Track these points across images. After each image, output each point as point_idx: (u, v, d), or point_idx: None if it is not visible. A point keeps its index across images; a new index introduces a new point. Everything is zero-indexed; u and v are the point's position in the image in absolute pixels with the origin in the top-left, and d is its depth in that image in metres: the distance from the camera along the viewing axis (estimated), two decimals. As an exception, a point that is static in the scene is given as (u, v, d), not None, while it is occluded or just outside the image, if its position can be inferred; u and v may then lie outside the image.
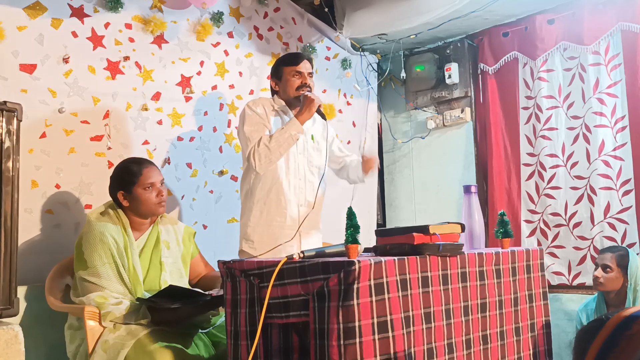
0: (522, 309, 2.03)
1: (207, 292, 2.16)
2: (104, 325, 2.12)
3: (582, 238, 3.41)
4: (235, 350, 1.79)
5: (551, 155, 3.55)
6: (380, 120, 4.25)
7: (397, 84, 4.19)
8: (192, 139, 3.12)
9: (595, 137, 3.37)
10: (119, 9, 2.81)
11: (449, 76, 3.86)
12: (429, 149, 4.08)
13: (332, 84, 3.81)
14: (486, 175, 3.83)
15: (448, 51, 3.94)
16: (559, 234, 3.51)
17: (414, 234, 1.74)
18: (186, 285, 2.42)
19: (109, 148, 2.77)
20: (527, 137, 3.67)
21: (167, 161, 3.00)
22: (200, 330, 2.24)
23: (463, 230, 1.88)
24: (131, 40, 2.88)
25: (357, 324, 1.51)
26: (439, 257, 1.77)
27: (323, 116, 2.67)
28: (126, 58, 2.86)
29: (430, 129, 4.05)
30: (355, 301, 1.52)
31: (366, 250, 1.93)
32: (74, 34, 2.71)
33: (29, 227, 2.50)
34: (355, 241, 1.61)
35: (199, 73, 3.14)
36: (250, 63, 3.38)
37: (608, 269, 2.81)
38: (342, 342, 1.51)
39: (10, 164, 1.78)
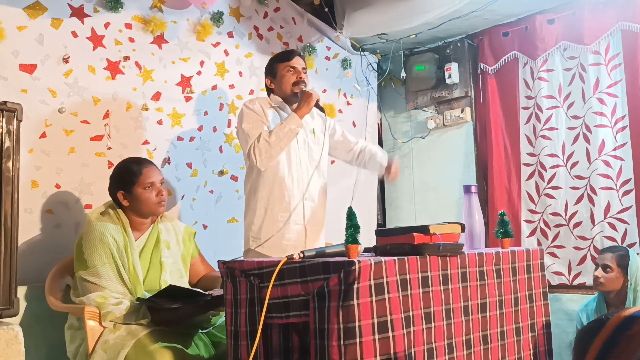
0: (522, 309, 2.03)
1: (207, 292, 2.16)
2: (104, 325, 2.12)
3: (583, 238, 3.41)
4: (235, 350, 1.79)
5: (551, 155, 3.55)
6: (380, 120, 4.25)
7: (397, 83, 4.19)
8: (192, 138, 3.12)
9: (596, 137, 3.37)
10: (119, 9, 2.81)
11: (449, 76, 3.86)
12: (429, 149, 4.08)
13: (332, 83, 3.81)
14: (486, 175, 3.83)
15: (448, 51, 3.94)
16: (559, 234, 3.51)
17: (414, 234, 1.73)
18: (186, 285, 2.42)
19: (109, 148, 2.77)
20: (527, 137, 3.67)
21: (167, 161, 3.00)
22: (200, 330, 2.24)
23: (463, 230, 1.88)
24: (131, 40, 2.88)
25: (357, 324, 1.51)
26: (439, 257, 1.77)
27: (322, 109, 2.69)
28: (126, 58, 2.86)
29: (431, 129, 4.05)
30: (355, 301, 1.52)
31: (366, 250, 1.93)
32: (74, 34, 2.70)
33: (29, 227, 2.50)
34: (356, 241, 1.61)
35: (199, 73, 3.14)
36: (250, 63, 3.38)
37: (608, 269, 2.81)
38: (342, 342, 1.51)
39: (10, 164, 1.78)
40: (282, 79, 2.70)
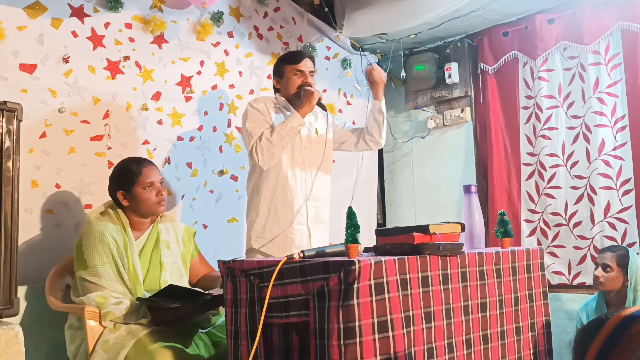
0: (522, 308, 2.03)
1: (207, 292, 2.16)
2: (104, 325, 2.12)
3: (582, 237, 3.42)
4: (235, 350, 1.79)
5: (551, 155, 3.55)
6: (380, 119, 4.25)
7: (397, 83, 4.19)
8: (192, 138, 3.12)
9: (595, 137, 3.37)
10: (119, 8, 2.81)
11: (449, 76, 3.86)
12: (429, 149, 4.08)
13: (332, 83, 3.81)
14: (486, 174, 3.83)
15: (448, 51, 3.94)
16: (559, 234, 3.51)
17: (414, 233, 1.73)
18: (186, 285, 2.42)
19: (109, 148, 2.77)
20: (527, 136, 3.67)
21: (167, 161, 3.00)
22: (200, 330, 2.24)
23: (463, 229, 1.88)
24: (131, 40, 2.88)
25: (357, 323, 1.51)
26: (439, 257, 1.77)
27: (323, 107, 2.69)
28: (126, 58, 2.86)
29: (430, 129, 4.05)
30: (355, 301, 1.52)
31: (366, 250, 1.93)
32: (74, 34, 2.70)
33: (29, 227, 2.50)
34: (356, 241, 1.61)
35: (199, 73, 3.14)
36: (250, 63, 3.38)
37: (608, 269, 2.81)
38: (342, 341, 1.51)
39: (10, 164, 1.78)
40: (288, 81, 2.70)
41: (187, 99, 3.09)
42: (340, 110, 3.84)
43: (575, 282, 3.45)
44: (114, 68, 2.82)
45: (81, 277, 2.22)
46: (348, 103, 3.92)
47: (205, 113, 3.17)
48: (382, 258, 1.61)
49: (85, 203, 2.69)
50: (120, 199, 2.34)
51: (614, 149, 3.31)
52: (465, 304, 1.83)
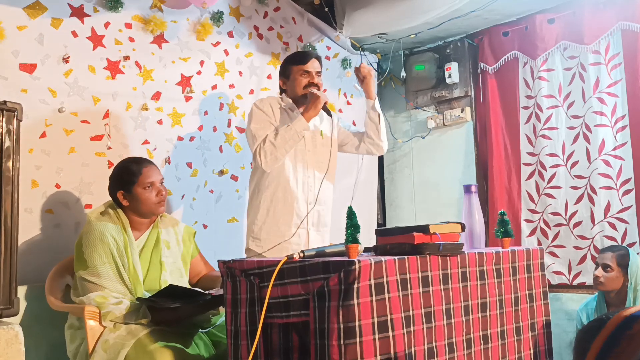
0: (522, 308, 2.03)
1: (207, 292, 2.16)
2: (104, 324, 2.12)
3: (583, 237, 3.41)
4: (235, 349, 1.79)
5: (551, 155, 3.55)
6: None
7: (397, 83, 4.19)
8: (192, 138, 3.12)
9: (596, 137, 3.37)
10: (119, 8, 2.81)
11: (449, 76, 3.86)
12: (429, 149, 4.08)
13: (332, 83, 3.81)
14: (486, 174, 3.83)
15: (448, 50, 3.94)
16: (559, 234, 3.51)
17: (414, 233, 1.73)
18: (186, 285, 2.42)
19: (109, 148, 2.77)
20: (527, 136, 3.67)
21: (167, 161, 3.00)
22: (200, 330, 2.24)
23: (463, 229, 1.88)
24: (131, 39, 2.88)
25: (357, 323, 1.51)
26: (439, 257, 1.77)
27: (329, 112, 2.67)
28: (126, 58, 2.86)
29: (431, 129, 4.05)
30: (355, 301, 1.52)
31: (366, 249, 1.93)
32: (74, 34, 2.70)
33: (29, 227, 2.50)
34: (356, 241, 1.61)
35: (199, 73, 3.14)
36: (251, 62, 3.38)
37: (608, 269, 2.81)
38: (342, 341, 1.51)
39: (10, 163, 1.78)
40: (295, 82, 2.69)
41: (187, 98, 3.09)
42: (340, 110, 3.84)
43: (575, 282, 3.45)
44: (114, 68, 2.82)
45: (81, 277, 2.22)
46: (348, 103, 3.92)
47: (205, 113, 3.17)
48: (382, 258, 1.61)
49: (85, 203, 2.69)
50: (120, 199, 2.34)
51: (614, 148, 3.31)
52: (465, 303, 1.83)
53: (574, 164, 3.46)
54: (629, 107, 3.27)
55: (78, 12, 2.72)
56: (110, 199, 2.40)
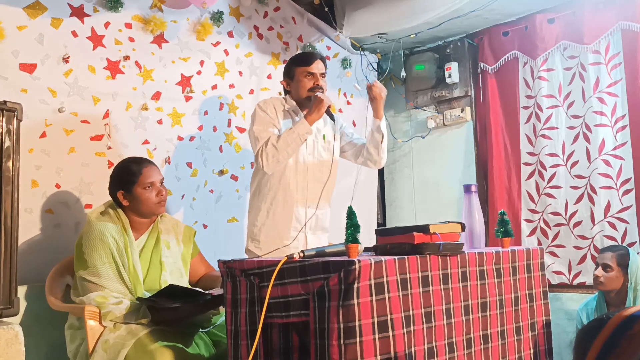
0: (522, 308, 2.03)
1: (207, 292, 2.16)
2: (104, 324, 2.12)
3: (583, 237, 3.41)
4: (235, 349, 1.79)
5: (551, 155, 3.55)
6: (381, 119, 4.25)
7: (397, 83, 4.19)
8: (192, 138, 3.12)
9: (596, 136, 3.37)
10: (119, 8, 2.81)
11: (449, 75, 3.86)
12: (429, 149, 4.08)
13: (332, 83, 3.81)
14: (486, 174, 3.83)
15: (448, 50, 3.94)
16: (559, 233, 3.51)
17: (414, 233, 1.73)
18: (186, 285, 2.42)
19: (109, 148, 2.77)
20: (527, 136, 3.67)
21: (167, 161, 3.00)
22: (200, 330, 2.24)
23: (463, 229, 1.88)
24: (131, 39, 2.88)
25: (357, 323, 1.51)
26: (439, 257, 1.77)
27: (332, 116, 2.65)
28: (126, 57, 2.86)
29: (431, 129, 4.05)
30: (355, 300, 1.52)
31: (366, 249, 1.93)
32: (74, 34, 2.70)
33: (29, 227, 2.50)
34: (356, 241, 1.61)
35: (199, 72, 3.14)
36: (250, 62, 3.38)
37: (608, 268, 2.81)
38: (342, 341, 1.51)
39: (10, 163, 1.78)
40: (299, 83, 2.67)
41: (187, 98, 3.09)
42: (340, 110, 3.84)
43: (575, 282, 3.45)
44: (114, 68, 2.82)
45: (81, 276, 2.22)
46: (348, 103, 3.92)
47: (205, 113, 3.17)
48: (382, 258, 1.61)
49: (85, 203, 2.69)
50: (120, 199, 2.34)
51: (614, 148, 3.31)
52: (465, 303, 1.83)
53: (574, 163, 3.46)
54: (629, 107, 3.27)
55: (78, 12, 2.72)
56: (110, 199, 2.40)
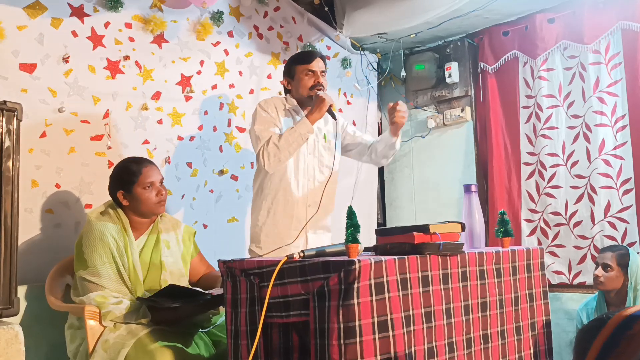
0: (522, 308, 2.03)
1: (207, 292, 2.16)
2: (104, 324, 2.12)
3: (583, 237, 3.41)
4: (235, 349, 1.79)
5: (551, 155, 3.55)
6: (381, 119, 4.25)
7: (397, 83, 4.19)
8: (192, 138, 3.12)
9: (596, 136, 3.37)
10: (119, 8, 2.81)
11: (449, 75, 3.86)
12: (429, 148, 4.08)
13: (332, 83, 3.81)
14: (486, 174, 3.83)
15: (448, 50, 3.94)
16: (560, 233, 3.51)
17: (414, 233, 1.73)
18: (186, 285, 2.42)
19: (109, 147, 2.77)
20: (527, 136, 3.67)
21: (167, 160, 3.00)
22: (200, 330, 2.24)
23: (463, 229, 1.88)
24: (131, 39, 2.88)
25: (357, 323, 1.51)
26: (439, 256, 1.77)
27: (333, 115, 2.64)
28: (126, 57, 2.86)
29: (431, 128, 4.05)
30: (355, 300, 1.52)
31: (366, 249, 1.93)
32: (74, 34, 2.70)
33: (29, 227, 2.50)
34: (356, 240, 1.61)
35: (199, 72, 3.14)
36: (251, 62, 3.38)
37: (608, 268, 2.81)
38: (342, 341, 1.51)
39: (10, 163, 1.78)
40: (300, 82, 2.66)
41: (187, 98, 3.09)
42: (340, 110, 3.84)
43: (575, 282, 3.45)
44: (114, 68, 2.82)
45: (81, 276, 2.22)
46: (348, 103, 3.92)
47: (205, 113, 3.17)
48: (382, 258, 1.61)
49: (85, 203, 2.69)
50: (120, 198, 2.34)
51: (614, 148, 3.31)
52: (465, 303, 1.83)
53: (574, 163, 3.46)
54: (629, 107, 3.27)
55: (78, 12, 2.72)
56: (110, 198, 2.40)
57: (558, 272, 3.51)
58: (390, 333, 1.57)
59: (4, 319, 1.77)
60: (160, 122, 2.98)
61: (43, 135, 2.59)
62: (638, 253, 3.03)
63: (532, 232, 3.62)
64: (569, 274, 3.47)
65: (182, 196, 3.06)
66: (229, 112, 3.28)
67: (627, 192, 3.27)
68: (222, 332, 2.21)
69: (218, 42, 3.23)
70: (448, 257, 1.80)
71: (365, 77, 4.02)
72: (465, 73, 3.88)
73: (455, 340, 1.77)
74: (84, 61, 2.73)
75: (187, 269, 2.47)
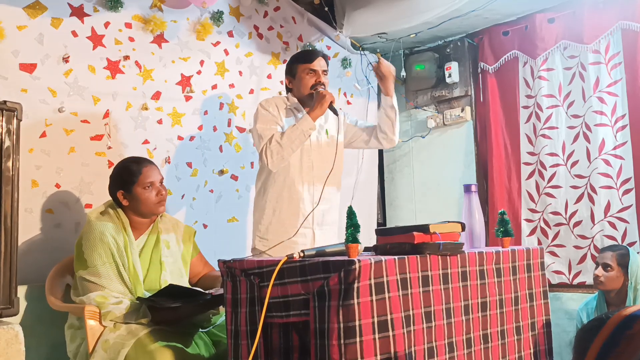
0: (522, 308, 2.03)
1: (207, 292, 2.16)
2: (104, 324, 2.12)
3: (583, 237, 3.42)
4: (235, 349, 1.79)
5: (551, 154, 3.55)
6: (381, 119, 4.25)
7: (397, 83, 4.19)
8: (192, 138, 3.12)
9: (596, 136, 3.37)
10: (119, 8, 2.81)
11: (449, 75, 3.86)
12: (429, 148, 4.08)
13: (332, 83, 3.79)
14: (486, 174, 3.83)
15: (448, 50, 3.94)
16: (560, 233, 3.51)
17: (414, 233, 1.73)
18: (186, 285, 2.42)
19: (109, 147, 2.77)
20: (527, 136, 3.67)
21: (167, 160, 3.00)
22: (200, 330, 2.24)
23: (463, 229, 1.88)
24: (131, 39, 2.88)
25: (357, 323, 1.51)
26: (439, 256, 1.77)
27: (335, 112, 2.65)
28: (126, 57, 2.86)
29: (431, 128, 4.05)
30: (355, 300, 1.52)
31: (366, 249, 1.93)
32: (74, 34, 2.70)
33: (29, 227, 2.50)
34: (356, 240, 1.61)
35: (199, 72, 3.14)
36: (251, 62, 3.38)
37: (608, 268, 2.81)
38: (342, 341, 1.51)
39: (10, 163, 1.78)
40: (301, 81, 2.67)
41: (187, 98, 3.09)
42: (340, 110, 3.83)
43: (575, 282, 3.45)
44: (114, 68, 2.82)
45: (81, 276, 2.22)
46: (348, 102, 3.92)
47: (205, 113, 3.17)
48: (382, 257, 1.61)
49: (85, 203, 2.69)
50: (120, 198, 2.34)
51: (614, 148, 3.31)
52: (465, 303, 1.83)
53: (574, 163, 3.46)
54: (629, 107, 3.27)
55: (78, 12, 2.72)
56: (110, 198, 2.40)
57: (558, 272, 3.51)
58: (390, 333, 1.57)
59: (4, 319, 1.77)
60: (160, 122, 2.98)
61: (43, 135, 2.59)
62: (638, 253, 3.03)
63: (532, 232, 3.62)
64: (569, 273, 3.47)
65: (182, 196, 3.06)
66: (229, 112, 3.28)
67: (627, 192, 3.27)
68: (222, 332, 2.20)
69: (218, 42, 3.23)
70: (448, 257, 1.80)
71: (365, 77, 4.02)
72: (465, 73, 3.89)
73: (455, 340, 1.77)
74: (84, 61, 2.73)
75: (187, 269, 2.47)
